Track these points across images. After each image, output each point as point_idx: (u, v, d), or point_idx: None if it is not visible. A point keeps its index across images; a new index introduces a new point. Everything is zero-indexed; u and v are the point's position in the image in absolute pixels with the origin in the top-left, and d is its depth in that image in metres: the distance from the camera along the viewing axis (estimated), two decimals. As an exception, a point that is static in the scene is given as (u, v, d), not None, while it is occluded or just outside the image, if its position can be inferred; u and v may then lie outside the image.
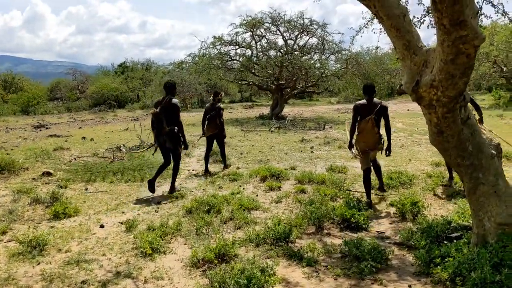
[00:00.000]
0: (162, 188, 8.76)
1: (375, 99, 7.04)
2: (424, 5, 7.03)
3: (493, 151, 4.09)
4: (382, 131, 7.16)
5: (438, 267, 4.36)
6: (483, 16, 6.53)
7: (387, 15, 3.66)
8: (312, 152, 12.87)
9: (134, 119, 26.71)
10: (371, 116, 6.88)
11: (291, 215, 6.65)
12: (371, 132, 6.93)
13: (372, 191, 7.41)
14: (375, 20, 6.75)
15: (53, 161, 11.37)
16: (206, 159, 10.27)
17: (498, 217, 4.18)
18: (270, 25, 24.45)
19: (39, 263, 4.99)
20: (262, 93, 50.64)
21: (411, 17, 4.15)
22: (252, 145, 14.38)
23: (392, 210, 6.83)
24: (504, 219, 4.18)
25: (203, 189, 8.57)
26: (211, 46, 24.28)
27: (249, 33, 24.57)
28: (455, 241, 4.84)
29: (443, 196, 7.54)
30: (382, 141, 7.11)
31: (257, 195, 7.96)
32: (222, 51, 24.64)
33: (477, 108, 7.76)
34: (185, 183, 9.16)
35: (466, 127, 3.92)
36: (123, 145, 13.33)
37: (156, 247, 5.27)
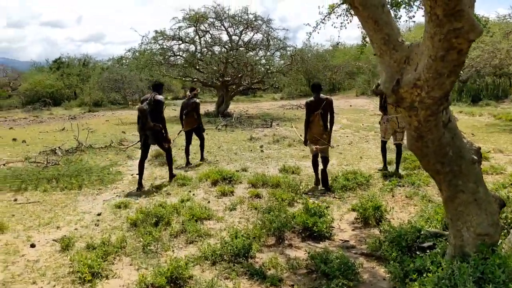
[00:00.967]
0: (102, 196, 7.98)
1: (321, 95, 7.90)
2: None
3: (474, 156, 3.75)
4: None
5: (415, 283, 3.98)
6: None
7: (363, 5, 3.22)
8: (262, 151, 12.42)
9: (72, 118, 25.20)
10: (318, 111, 7.80)
11: (248, 224, 6.12)
12: (317, 124, 7.88)
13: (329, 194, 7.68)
14: (333, 15, 6.36)
15: (-23, 168, 10.22)
16: (187, 152, 10.81)
17: (478, 227, 3.86)
18: (214, 20, 23.72)
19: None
20: (206, 89, 49.75)
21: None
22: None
23: (354, 214, 6.47)
24: (485, 229, 3.87)
25: (149, 197, 7.86)
26: (152, 41, 23.21)
27: (192, 28, 23.71)
28: (428, 251, 4.50)
29: (402, 197, 7.28)
30: (326, 132, 7.95)
31: (209, 202, 7.38)
32: (165, 46, 23.63)
33: None
34: (129, 190, 8.41)
35: (447, 131, 3.56)
36: (59, 147, 12.27)
37: (96, 271, 4.58)
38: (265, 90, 28.03)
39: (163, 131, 8.32)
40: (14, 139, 15.16)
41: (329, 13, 6.34)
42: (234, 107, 27.88)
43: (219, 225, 6.17)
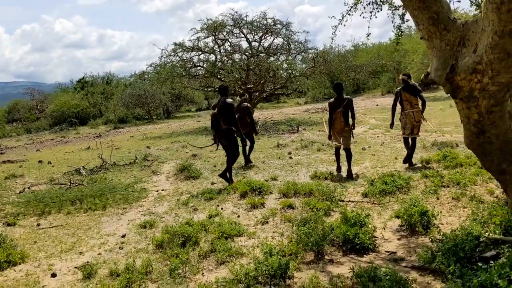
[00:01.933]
0: (127, 216, 7.61)
1: (343, 95, 9.04)
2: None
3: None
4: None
5: (483, 302, 3.42)
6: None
7: (406, -20, 2.72)
8: (290, 158, 11.91)
9: (97, 136, 25.24)
10: (339, 109, 8.95)
11: (282, 239, 5.63)
12: (339, 121, 9.06)
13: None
14: (360, 6, 5.84)
15: (1, 193, 10.02)
16: (244, 153, 11.00)
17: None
18: (233, 27, 23.44)
19: None
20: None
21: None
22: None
23: (397, 222, 5.89)
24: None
25: (175, 213, 7.45)
26: (172, 54, 23.06)
27: (211, 38, 23.49)
28: (491, 262, 3.92)
29: (448, 199, 6.66)
30: (347, 128, 9.10)
31: (238, 216, 6.91)
32: (185, 58, 23.46)
33: (423, 100, 9.40)
34: (154, 207, 8.02)
35: (514, 122, 2.99)
36: (83, 167, 12.04)
37: (120, 302, 4.16)
38: (288, 95, 27.53)
39: (235, 132, 8.82)
40: (40, 161, 15.03)
41: (356, 4, 5.82)
42: (259, 115, 27.51)
43: (251, 242, 5.69)
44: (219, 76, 23.60)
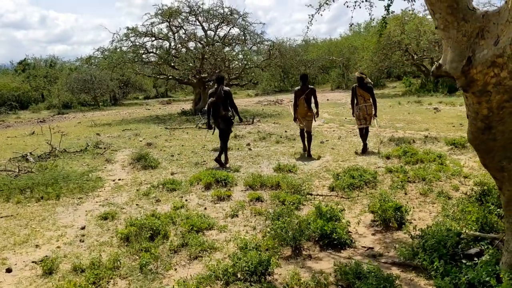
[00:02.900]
0: (84, 206, 7.16)
1: (307, 85, 10.27)
2: None
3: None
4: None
5: (473, 300, 3.39)
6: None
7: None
8: (250, 149, 11.75)
9: (41, 121, 23.99)
10: (303, 96, 10.17)
11: (255, 233, 5.45)
12: (303, 106, 10.27)
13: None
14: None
15: None
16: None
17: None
18: (188, 14, 22.84)
19: None
20: (178, 87, 48.61)
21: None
22: (182, 145, 12.96)
23: (369, 216, 5.86)
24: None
25: (137, 204, 7.09)
26: (124, 38, 22.18)
27: (165, 24, 22.79)
28: (476, 259, 3.92)
29: (416, 194, 6.72)
30: (310, 113, 10.31)
31: (205, 208, 6.66)
32: (137, 43, 22.63)
33: (373, 97, 10.47)
34: (113, 198, 7.60)
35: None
36: (30, 153, 11.28)
37: (89, 301, 3.83)
38: (243, 86, 27.25)
39: (232, 117, 9.71)
40: (-21, 146, 14.03)
41: (334, -6, 5.69)
42: (211, 105, 27.10)
43: (223, 236, 5.46)
44: (172, 64, 22.99)
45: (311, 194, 7.01)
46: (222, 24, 23.34)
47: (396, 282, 3.87)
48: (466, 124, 11.16)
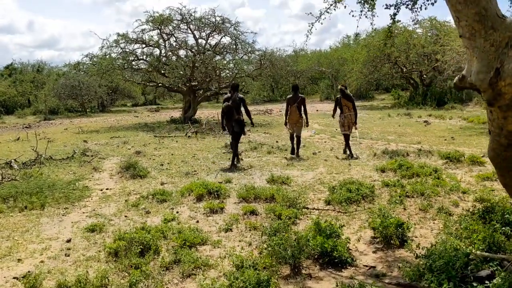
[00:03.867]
0: (70, 217, 6.85)
1: (298, 94, 11.53)
2: None
3: None
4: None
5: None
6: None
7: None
8: (241, 159, 11.50)
9: (26, 127, 23.50)
10: (295, 104, 11.38)
11: (251, 249, 5.20)
12: (294, 113, 11.46)
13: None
14: (340, 4, 5.54)
15: None
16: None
17: None
18: (180, 22, 22.60)
19: None
20: (167, 95, 48.23)
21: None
22: (172, 154, 12.67)
23: (369, 232, 5.65)
24: None
25: (126, 216, 6.80)
26: (114, 45, 21.84)
27: (156, 31, 22.53)
28: (487, 282, 3.73)
29: (415, 210, 6.53)
30: (301, 120, 11.49)
31: (197, 221, 6.40)
32: (127, 50, 22.31)
33: (354, 107, 11.79)
34: (100, 208, 7.30)
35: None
36: (15, 159, 10.91)
37: (76, 323, 3.54)
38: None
39: (244, 122, 10.77)
40: (-38, 151, 13.58)
41: (335, 2, 5.51)
42: (200, 113, 26.85)
43: (217, 252, 5.21)
44: (162, 71, 22.69)
45: (307, 208, 6.79)
46: (214, 33, 23.14)
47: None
48: (458, 137, 11.16)
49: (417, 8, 5.05)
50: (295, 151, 11.54)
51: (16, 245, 5.62)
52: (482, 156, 9.97)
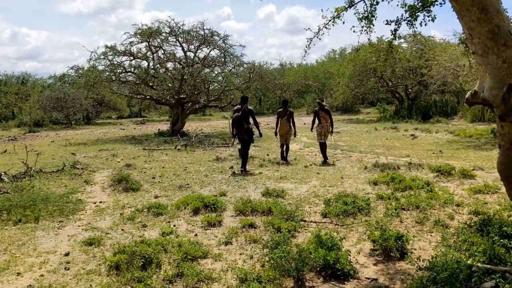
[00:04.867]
0: (66, 230, 6.77)
1: (287, 108, 13.12)
2: None
3: None
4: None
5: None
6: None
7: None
8: (234, 173, 11.50)
9: (12, 139, 23.19)
10: (285, 117, 12.87)
11: (253, 262, 5.20)
12: (284, 125, 12.94)
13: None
14: (338, 20, 5.65)
15: None
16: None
17: None
18: (168, 35, 22.65)
19: None
20: (152, 107, 48.06)
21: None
22: (163, 167, 12.62)
23: (368, 245, 5.70)
24: None
25: (122, 229, 6.75)
26: (102, 57, 21.77)
27: (145, 44, 22.54)
28: (491, 293, 3.79)
29: (412, 222, 6.61)
30: (290, 131, 12.97)
31: (196, 235, 6.38)
32: (115, 62, 22.25)
33: (331, 118, 13.07)
34: (95, 222, 7.23)
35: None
36: (5, 172, 10.76)
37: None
38: (222, 108, 27.05)
39: (253, 130, 11.77)
40: None
41: (334, 18, 5.62)
42: (187, 126, 26.82)
43: (219, 265, 5.20)
44: (150, 84, 22.65)
45: (305, 221, 6.82)
46: (202, 46, 23.23)
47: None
48: (446, 151, 11.33)
49: (416, 24, 5.18)
50: (285, 156, 13.11)
51: (14, 259, 5.54)
52: (472, 169, 10.15)
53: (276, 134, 13.31)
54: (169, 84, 21.95)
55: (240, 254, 5.57)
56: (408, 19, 5.25)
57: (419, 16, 5.24)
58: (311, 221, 6.85)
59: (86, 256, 5.63)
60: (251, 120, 11.79)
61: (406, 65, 30.40)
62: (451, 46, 24.02)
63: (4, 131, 29.54)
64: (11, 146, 18.10)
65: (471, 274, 4.11)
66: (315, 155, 14.69)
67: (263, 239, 5.88)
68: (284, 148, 13.14)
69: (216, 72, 24.12)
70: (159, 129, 25.42)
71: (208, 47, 23.43)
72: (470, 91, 3.03)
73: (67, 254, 5.69)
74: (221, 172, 11.64)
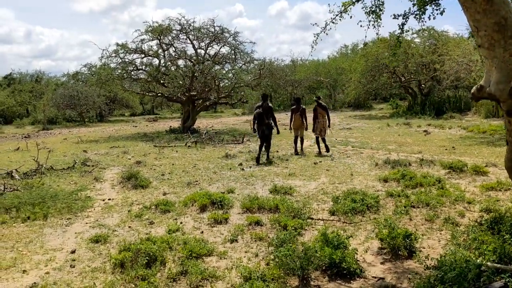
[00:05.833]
0: (73, 227, 6.79)
1: (301, 105, 14.09)
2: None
3: None
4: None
5: None
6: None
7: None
8: (242, 169, 11.46)
9: (26, 137, 23.44)
10: (298, 113, 13.76)
11: (258, 260, 5.15)
12: (298, 120, 13.83)
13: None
14: (346, 15, 5.56)
15: None
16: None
17: None
18: (179, 32, 22.67)
19: None
20: (165, 105, 48.24)
21: None
22: (172, 164, 12.62)
23: (376, 243, 5.61)
24: None
25: (129, 227, 6.75)
26: (113, 55, 21.85)
27: (156, 41, 22.57)
28: (500, 293, 3.69)
29: (421, 220, 6.50)
30: (303, 125, 13.91)
31: (202, 232, 6.35)
32: (126, 60, 22.32)
33: (328, 114, 14.11)
34: (103, 219, 7.24)
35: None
36: (16, 170, 10.84)
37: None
38: (233, 105, 27.04)
39: (273, 126, 12.60)
40: (-39, 161, 13.50)
41: (341, 12, 5.53)
42: (198, 123, 26.85)
43: (223, 263, 5.16)
44: (162, 81, 22.69)
45: (312, 218, 6.75)
46: (213, 43, 23.20)
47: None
48: (459, 147, 11.14)
49: (424, 18, 5.06)
50: (300, 149, 14.12)
51: (21, 256, 5.56)
52: (485, 166, 9.97)
53: (290, 129, 14.18)
54: (180, 82, 21.98)
55: (246, 252, 5.53)
56: (416, 12, 5.14)
57: (427, 9, 5.13)
58: (319, 219, 6.78)
59: (92, 253, 5.63)
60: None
61: (419, 60, 30.04)
62: (464, 40, 23.70)
63: (18, 129, 29.86)
64: (24, 144, 18.26)
65: (480, 274, 4.01)
66: (325, 152, 14.56)
67: (269, 237, 5.84)
68: (299, 141, 14.15)
69: (226, 69, 24.07)
70: (170, 126, 25.47)
71: (218, 44, 23.40)
72: (476, 86, 2.93)
73: (73, 252, 5.70)
74: (230, 169, 11.60)
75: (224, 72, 23.57)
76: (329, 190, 8.74)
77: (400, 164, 10.89)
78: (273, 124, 12.63)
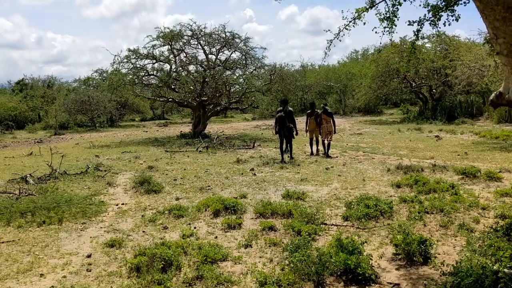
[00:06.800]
0: (88, 232, 6.85)
1: (315, 110, 15.18)
2: None
3: None
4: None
5: None
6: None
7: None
8: (254, 174, 11.49)
9: (38, 141, 23.68)
10: (312, 117, 14.94)
11: (273, 266, 5.17)
12: (313, 123, 14.98)
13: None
14: (359, 21, 5.58)
15: None
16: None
17: None
18: (190, 38, 22.82)
19: None
20: (175, 110, 48.44)
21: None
22: (184, 169, 12.68)
23: (390, 249, 5.60)
24: None
25: (143, 231, 6.80)
26: (125, 60, 22.04)
27: (167, 47, 22.75)
28: (518, 300, 3.67)
29: (436, 226, 6.48)
30: (317, 128, 14.84)
31: (216, 237, 6.38)
32: (138, 66, 22.50)
33: (333, 120, 14.79)
34: (117, 223, 7.30)
35: None
36: (30, 174, 10.97)
37: None
38: (243, 110, 27.11)
39: (293, 128, 13.70)
40: (-24, 166, 13.68)
41: (355, 18, 5.55)
42: (209, 128, 26.96)
43: (238, 268, 5.18)
44: (173, 87, 22.82)
45: (326, 224, 6.75)
46: (224, 48, 23.32)
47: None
48: (471, 152, 11.09)
49: (439, 24, 5.07)
50: (316, 150, 15.24)
51: (37, 260, 5.63)
52: (499, 172, 9.91)
53: (306, 131, 15.44)
54: (191, 87, 22.10)
55: (260, 257, 5.54)
56: (431, 19, 5.15)
57: (442, 16, 5.14)
58: (332, 224, 6.78)
59: (107, 257, 5.68)
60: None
61: (430, 65, 29.90)
62: (476, 46, 23.59)
63: (30, 134, 30.18)
64: (37, 148, 18.44)
65: (497, 280, 3.99)
66: (336, 157, 14.54)
67: (283, 242, 5.85)
68: (314, 141, 15.24)
69: (237, 75, 24.18)
70: (181, 131, 25.60)
71: (229, 49, 23.52)
72: (495, 92, 2.94)
73: (89, 256, 5.75)
74: (242, 174, 11.63)
75: (235, 77, 23.68)
76: (341, 196, 8.74)
77: (413, 169, 10.86)
78: (292, 126, 13.62)
